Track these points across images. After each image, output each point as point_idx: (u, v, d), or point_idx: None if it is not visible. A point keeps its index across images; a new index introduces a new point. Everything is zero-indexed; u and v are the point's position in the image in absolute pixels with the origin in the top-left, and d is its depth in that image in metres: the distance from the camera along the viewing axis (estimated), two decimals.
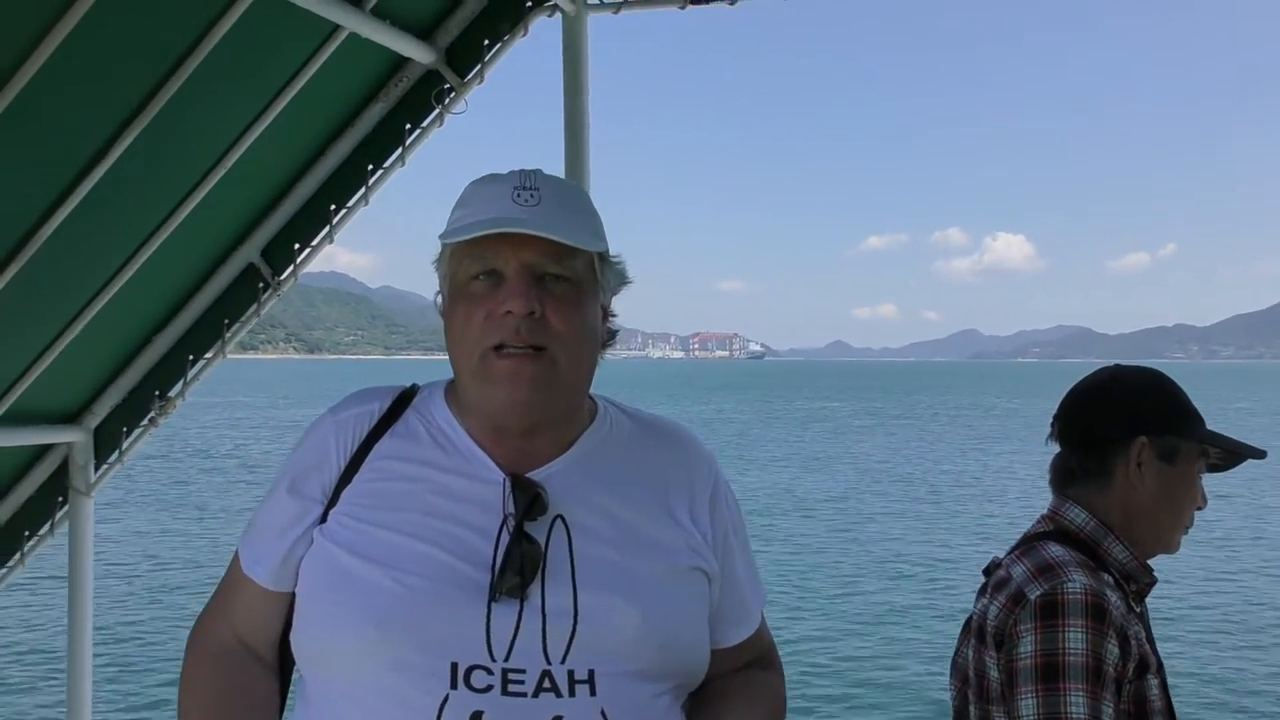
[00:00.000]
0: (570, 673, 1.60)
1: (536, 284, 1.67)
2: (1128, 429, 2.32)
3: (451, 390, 1.81)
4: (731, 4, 3.53)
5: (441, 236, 1.72)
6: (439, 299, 1.78)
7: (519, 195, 1.68)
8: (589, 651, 1.63)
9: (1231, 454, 2.40)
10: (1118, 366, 2.45)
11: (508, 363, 1.66)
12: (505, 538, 1.66)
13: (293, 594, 1.75)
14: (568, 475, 1.74)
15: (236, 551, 1.83)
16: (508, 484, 1.69)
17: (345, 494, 1.73)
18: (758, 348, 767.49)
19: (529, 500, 1.67)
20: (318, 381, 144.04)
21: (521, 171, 1.74)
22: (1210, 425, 2.37)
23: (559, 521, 1.69)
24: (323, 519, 1.74)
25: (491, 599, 1.61)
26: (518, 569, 1.62)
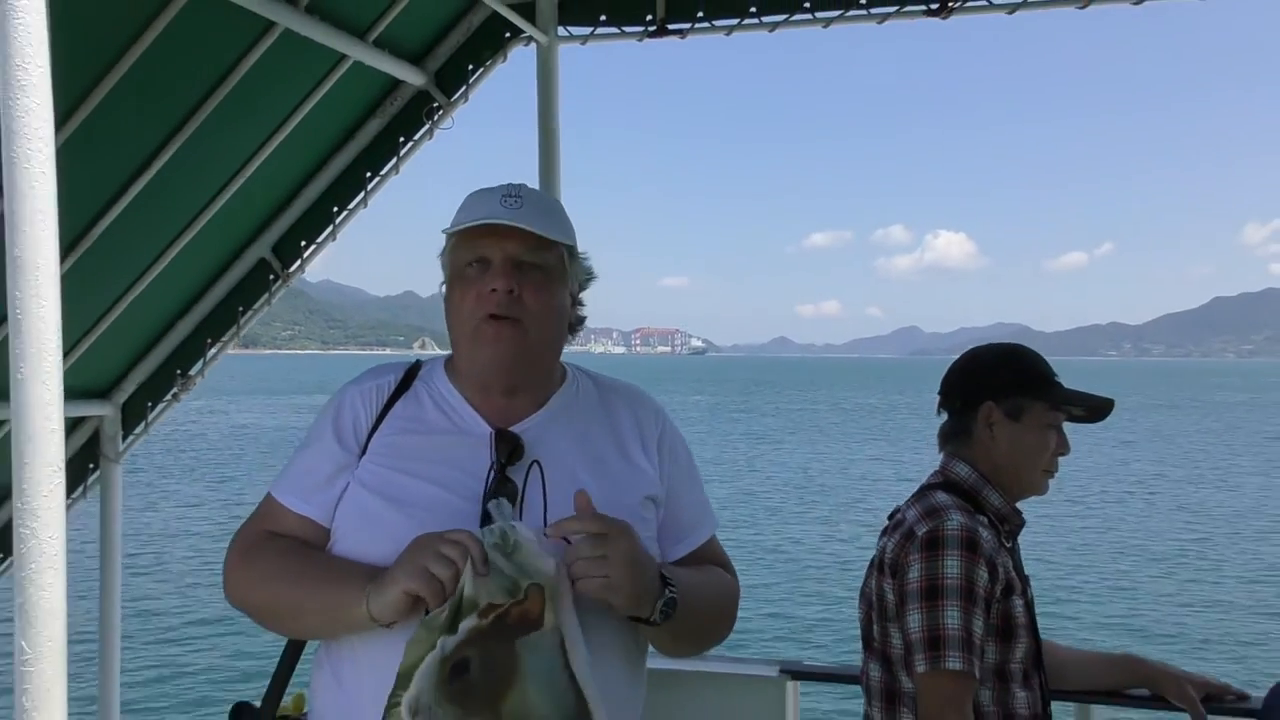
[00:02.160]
0: (547, 552, 1.84)
1: (516, 269, 2.01)
2: (977, 395, 2.62)
3: (449, 364, 2.14)
4: (682, 39, 3.84)
5: (445, 230, 2.06)
6: (442, 286, 2.11)
7: (506, 201, 2.02)
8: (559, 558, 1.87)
9: (1093, 408, 2.66)
10: (982, 345, 2.77)
11: (492, 329, 2.00)
12: (492, 479, 1.97)
13: (322, 525, 2.03)
14: (542, 428, 2.06)
15: (268, 495, 2.11)
16: (493, 437, 2.02)
17: (371, 446, 2.04)
18: (699, 343, 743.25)
19: (509, 449, 2.00)
20: (251, 377, 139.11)
21: (509, 184, 2.09)
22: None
23: (535, 465, 2.00)
24: (357, 464, 2.03)
25: (483, 524, 1.89)
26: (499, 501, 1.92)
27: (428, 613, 1.80)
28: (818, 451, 47.23)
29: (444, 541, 1.80)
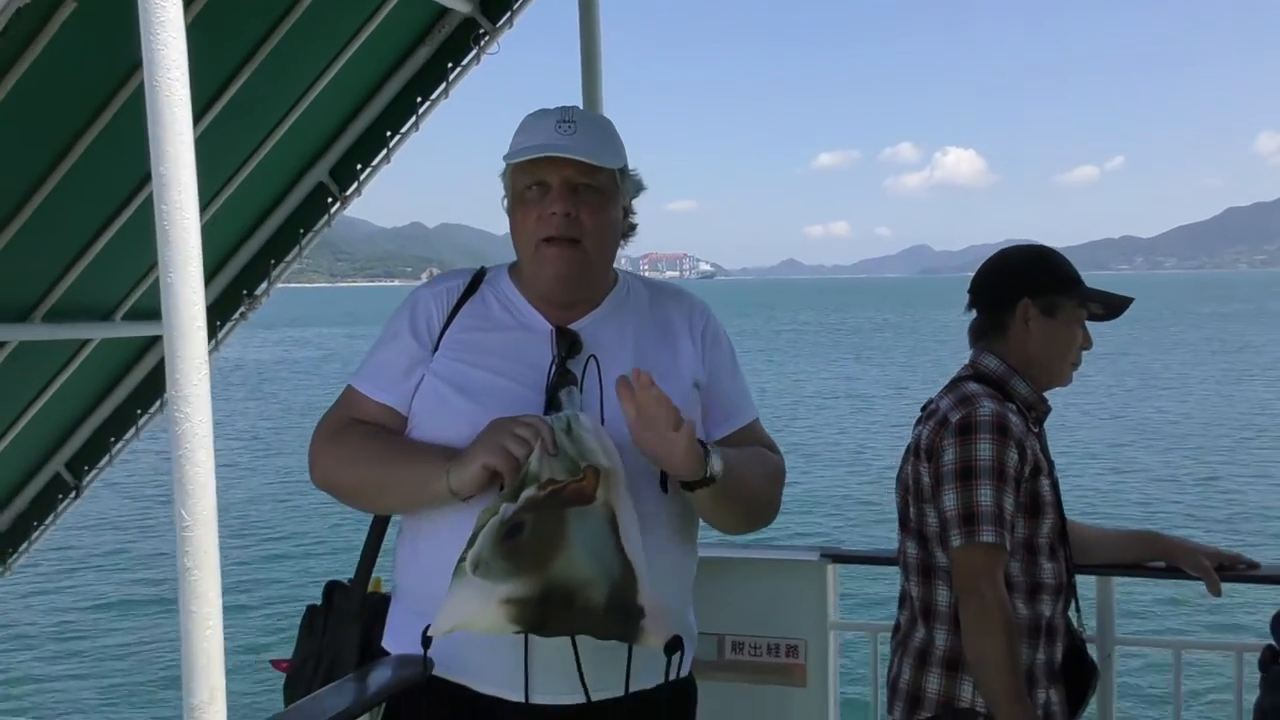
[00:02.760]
0: (605, 436, 2.01)
1: (573, 192, 2.16)
2: (1014, 293, 2.73)
3: (513, 270, 2.31)
4: None
5: (505, 158, 2.21)
6: (504, 200, 2.26)
7: (560, 126, 2.17)
8: (614, 443, 2.02)
9: (1111, 306, 2.76)
10: (1011, 247, 2.88)
11: (554, 250, 2.17)
12: (554, 371, 2.15)
13: (401, 413, 2.20)
14: (597, 326, 2.24)
15: (348, 387, 2.28)
16: (554, 333, 2.20)
17: (443, 342, 2.22)
18: (708, 267, 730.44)
19: (569, 344, 2.18)
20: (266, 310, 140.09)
21: (563, 107, 2.23)
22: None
23: (592, 358, 2.18)
24: (431, 359, 2.21)
25: (546, 410, 2.08)
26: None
27: (502, 488, 1.97)
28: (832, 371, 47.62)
29: (518, 424, 1.97)
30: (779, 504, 2.35)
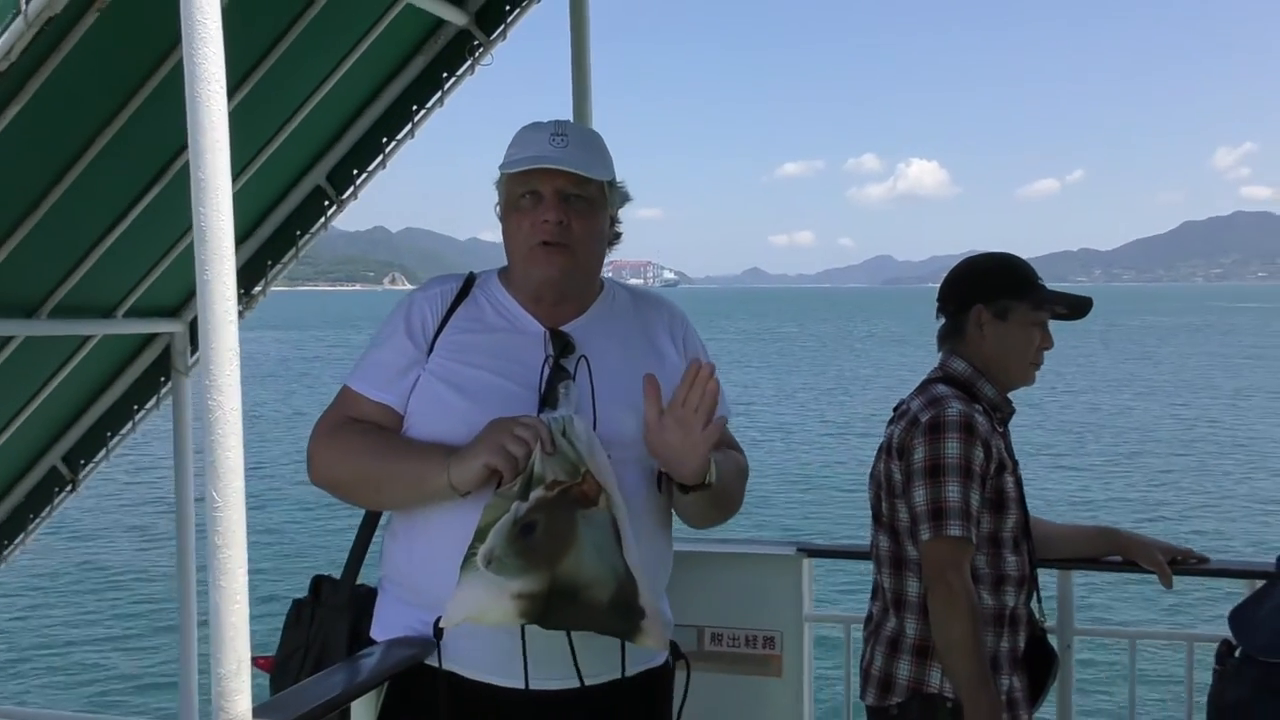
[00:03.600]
0: (596, 438, 2.09)
1: (564, 202, 2.25)
2: (968, 299, 2.84)
3: (503, 274, 2.39)
4: None
5: (501, 167, 2.30)
6: (497, 208, 2.34)
7: (554, 140, 2.26)
8: (603, 443, 2.11)
9: (1074, 306, 2.86)
10: (977, 255, 2.97)
11: (544, 254, 2.25)
12: (547, 370, 2.24)
13: (398, 411, 2.26)
14: (586, 328, 2.33)
15: (344, 387, 2.34)
16: (547, 334, 2.29)
17: (438, 343, 2.29)
18: (671, 275, 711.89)
19: (562, 344, 2.27)
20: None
21: (556, 121, 2.32)
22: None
23: (582, 359, 2.26)
24: (426, 360, 2.27)
25: (540, 409, 2.17)
26: (555, 389, 2.19)
27: (499, 485, 2.05)
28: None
29: (518, 424, 2.05)
30: (742, 502, 2.45)
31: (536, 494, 2.02)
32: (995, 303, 2.83)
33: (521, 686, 2.15)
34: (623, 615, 2.04)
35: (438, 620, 2.08)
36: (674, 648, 2.27)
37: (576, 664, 2.14)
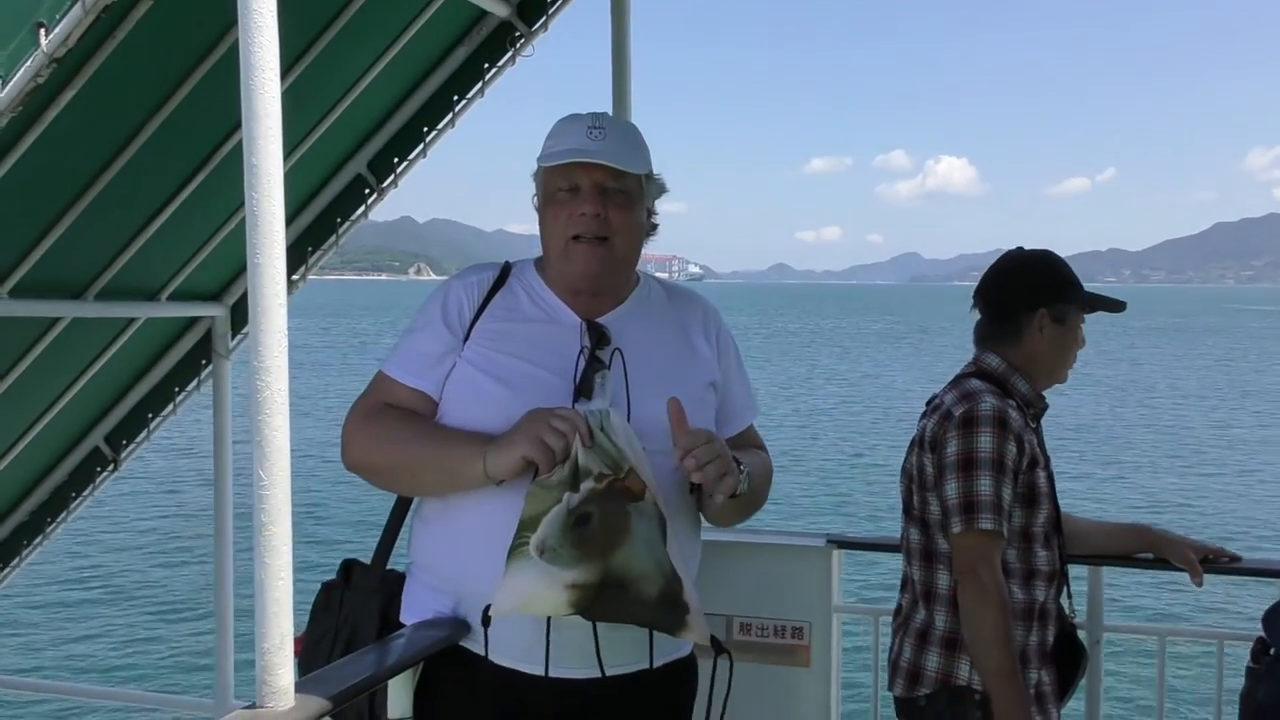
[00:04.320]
0: (634, 434, 2.11)
1: (602, 195, 2.27)
2: (1030, 302, 2.84)
3: (539, 264, 2.41)
4: None
5: (539, 160, 2.32)
6: (535, 200, 2.36)
7: (591, 133, 2.27)
8: (639, 435, 2.13)
9: (1110, 308, 2.92)
10: (1016, 253, 2.97)
11: (583, 248, 2.27)
12: (583, 361, 2.25)
13: (433, 398, 2.28)
14: (622, 321, 2.34)
15: (379, 373, 2.36)
16: (583, 326, 2.30)
17: (474, 331, 2.30)
18: (697, 269, 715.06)
19: (598, 335, 2.28)
20: None
21: (594, 114, 2.33)
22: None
23: (617, 351, 2.27)
24: (462, 348, 2.29)
25: (575, 399, 2.19)
26: (591, 379, 2.21)
27: (535, 475, 2.07)
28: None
29: (556, 416, 2.06)
30: (765, 501, 2.47)
31: (587, 485, 2.03)
32: (1055, 306, 2.84)
33: (542, 674, 2.17)
34: (669, 610, 2.05)
35: (487, 608, 2.10)
36: (715, 643, 2.28)
37: (599, 654, 2.16)
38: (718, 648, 2.29)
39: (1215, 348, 69.79)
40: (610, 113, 3.86)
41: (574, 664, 2.17)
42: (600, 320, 2.31)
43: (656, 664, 2.25)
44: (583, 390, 2.20)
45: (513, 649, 2.19)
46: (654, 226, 2.42)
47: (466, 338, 2.29)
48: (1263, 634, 2.72)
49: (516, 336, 2.29)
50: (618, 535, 2.02)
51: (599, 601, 2.02)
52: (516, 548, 2.02)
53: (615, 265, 2.31)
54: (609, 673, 2.18)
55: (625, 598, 2.03)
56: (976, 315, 2.95)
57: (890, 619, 2.99)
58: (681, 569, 2.06)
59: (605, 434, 2.06)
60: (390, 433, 2.26)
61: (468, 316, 2.32)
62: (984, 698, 2.67)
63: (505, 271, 2.41)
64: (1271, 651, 2.68)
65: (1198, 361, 57.33)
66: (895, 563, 2.98)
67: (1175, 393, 41.23)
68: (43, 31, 2.39)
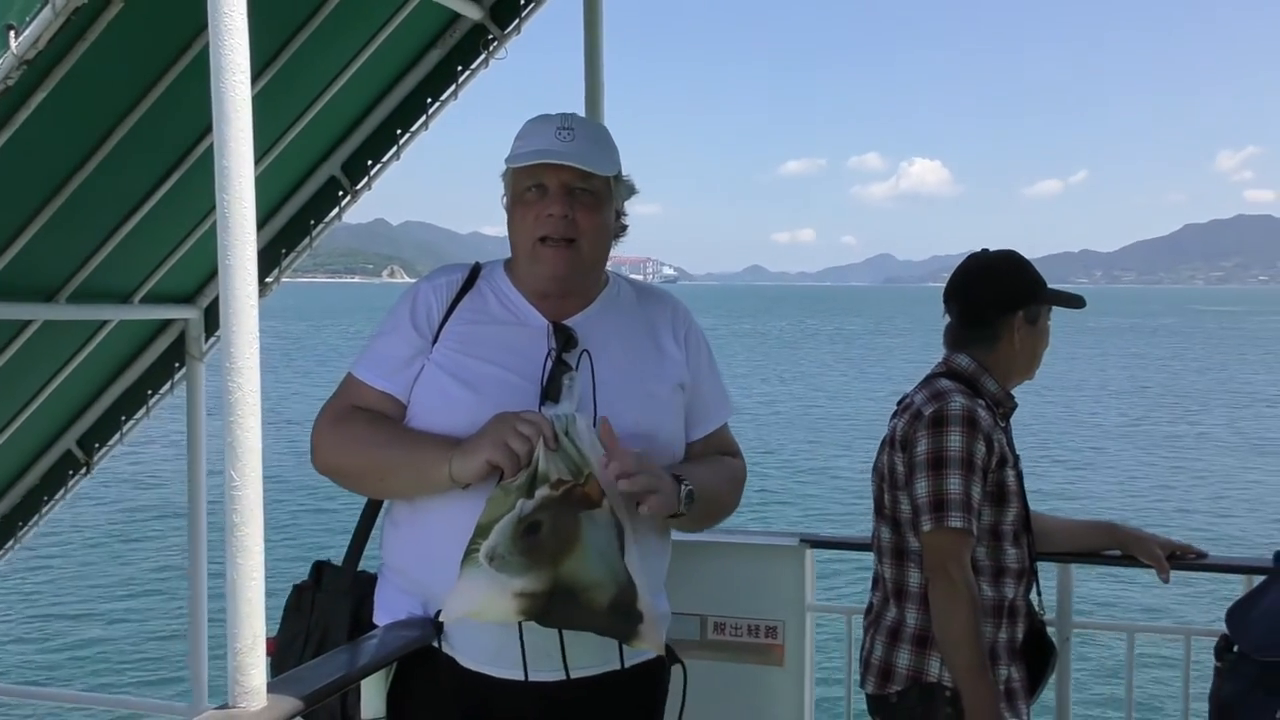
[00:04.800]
0: (598, 440, 2.07)
1: (569, 195, 2.24)
2: (1006, 306, 2.85)
3: (508, 266, 2.38)
4: None
5: (506, 160, 2.29)
6: (504, 199, 2.33)
7: (560, 134, 2.24)
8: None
9: (1072, 304, 2.92)
10: (983, 254, 2.97)
11: (550, 250, 2.24)
12: (549, 363, 2.22)
13: (401, 401, 2.26)
14: (590, 322, 2.31)
15: (348, 375, 2.33)
16: (550, 328, 2.27)
17: (443, 334, 2.28)
18: (671, 271, 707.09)
19: (564, 338, 2.25)
20: None
21: (563, 115, 2.31)
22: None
23: (585, 353, 2.25)
24: (430, 350, 2.27)
25: (541, 402, 2.17)
26: (558, 382, 2.19)
27: (501, 479, 2.06)
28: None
29: (521, 420, 2.04)
30: (737, 505, 2.46)
31: (542, 492, 2.02)
32: (1029, 308, 2.86)
33: (519, 678, 2.17)
34: (621, 618, 2.04)
35: (437, 614, 2.10)
36: (670, 652, 2.28)
37: (564, 657, 2.16)
38: (671, 658, 2.28)
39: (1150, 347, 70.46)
40: (583, 114, 3.89)
41: (541, 666, 2.17)
42: (568, 322, 2.29)
43: (628, 665, 2.24)
44: (549, 393, 2.18)
45: (481, 651, 2.18)
46: (623, 228, 2.41)
47: (435, 340, 2.28)
48: (1226, 631, 2.76)
49: (484, 339, 2.27)
50: (567, 544, 2.01)
51: (550, 609, 2.01)
52: (469, 554, 2.01)
53: (582, 267, 2.28)
54: (575, 675, 2.18)
55: (576, 606, 2.02)
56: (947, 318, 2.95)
57: (863, 617, 3.00)
58: (639, 577, 2.05)
59: (570, 438, 2.05)
60: (359, 436, 2.25)
61: (436, 319, 2.30)
62: (954, 694, 2.68)
63: (475, 273, 2.39)
64: (1235, 648, 2.71)
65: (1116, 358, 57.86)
66: (869, 561, 2.99)
67: (1104, 391, 41.58)
68: (12, 34, 2.39)
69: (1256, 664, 2.62)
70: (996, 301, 2.87)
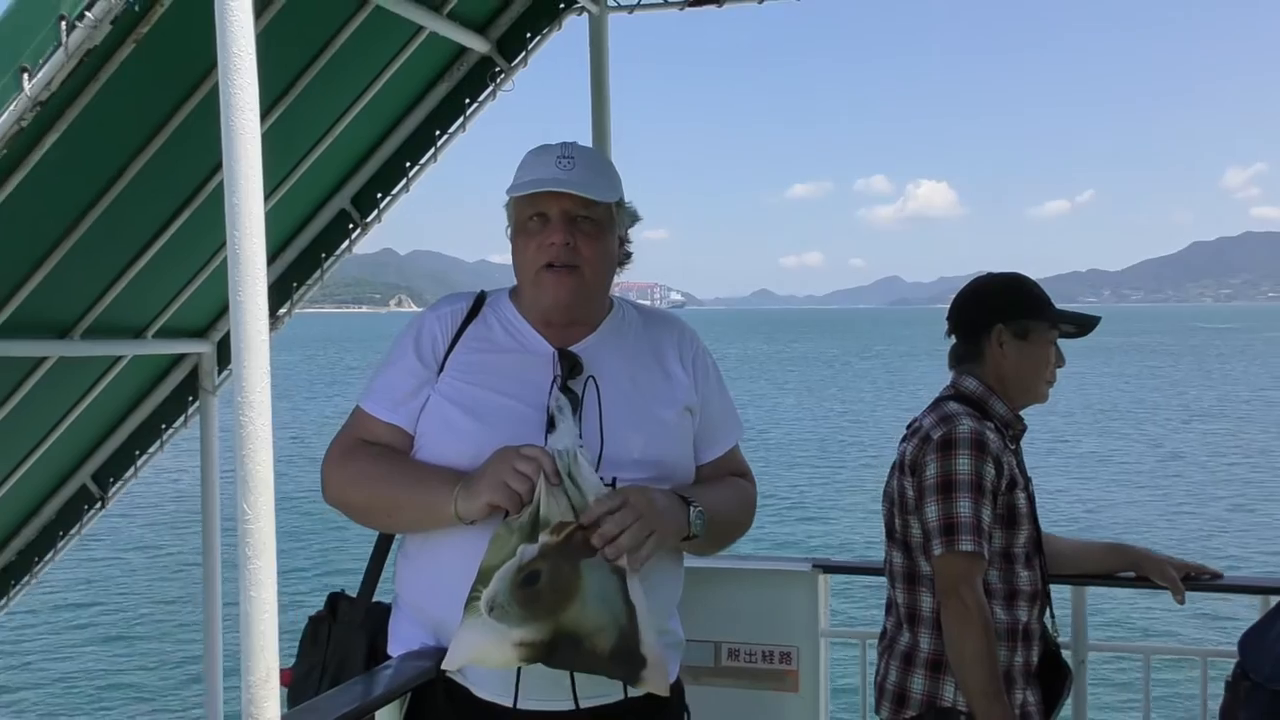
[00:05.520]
0: (599, 479, 2.09)
1: (571, 224, 2.25)
2: (988, 319, 2.86)
3: (513, 293, 2.39)
4: (719, 6, 4.09)
5: (508, 191, 2.30)
6: (508, 229, 2.34)
7: (560, 162, 2.25)
8: (611, 465, 2.15)
9: (1082, 325, 2.91)
10: (985, 275, 2.99)
11: (553, 277, 2.25)
12: (555, 391, 2.22)
13: (408, 432, 2.27)
14: (595, 349, 2.31)
15: (356, 408, 2.34)
16: (555, 355, 2.27)
17: (448, 363, 2.29)
18: (679, 296, 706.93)
19: (570, 365, 2.25)
20: None
21: (563, 143, 2.32)
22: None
23: (591, 380, 2.25)
24: (436, 380, 2.27)
25: (547, 430, 2.16)
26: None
27: (506, 515, 2.06)
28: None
29: (520, 458, 2.05)
30: (749, 527, 2.47)
31: (543, 539, 2.01)
32: (1015, 322, 2.85)
33: (530, 708, 2.16)
34: (624, 662, 2.04)
35: (440, 660, 2.10)
36: (679, 695, 2.28)
37: (574, 687, 2.15)
38: (676, 698, 2.27)
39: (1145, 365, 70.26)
40: (590, 141, 3.91)
41: (550, 696, 2.16)
42: (573, 348, 2.28)
43: (641, 693, 2.24)
44: (552, 420, 2.18)
45: (492, 682, 2.18)
46: (628, 255, 2.42)
47: (441, 369, 2.29)
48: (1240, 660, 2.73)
49: (489, 367, 2.27)
50: (566, 594, 2.01)
51: (552, 655, 2.02)
52: (470, 601, 2.01)
53: (586, 294, 2.28)
54: (584, 704, 2.17)
55: (579, 651, 2.02)
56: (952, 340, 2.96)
57: (877, 642, 2.99)
58: (644, 612, 2.05)
59: (573, 480, 2.05)
60: (365, 473, 2.26)
61: (441, 348, 2.31)
62: (970, 719, 2.67)
63: (480, 301, 2.40)
64: (1250, 677, 2.68)
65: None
66: (883, 585, 2.98)
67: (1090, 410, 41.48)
68: (25, 75, 2.42)
69: (1269, 694, 2.59)
70: (978, 315, 2.88)
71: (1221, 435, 34.65)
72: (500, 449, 2.10)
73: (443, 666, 2.08)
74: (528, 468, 2.03)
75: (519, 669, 2.11)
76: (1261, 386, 52.91)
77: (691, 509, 2.18)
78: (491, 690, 2.18)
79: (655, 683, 2.08)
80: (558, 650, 2.01)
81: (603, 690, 2.18)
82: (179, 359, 4.88)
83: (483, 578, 2.01)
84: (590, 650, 2.02)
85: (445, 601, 2.14)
